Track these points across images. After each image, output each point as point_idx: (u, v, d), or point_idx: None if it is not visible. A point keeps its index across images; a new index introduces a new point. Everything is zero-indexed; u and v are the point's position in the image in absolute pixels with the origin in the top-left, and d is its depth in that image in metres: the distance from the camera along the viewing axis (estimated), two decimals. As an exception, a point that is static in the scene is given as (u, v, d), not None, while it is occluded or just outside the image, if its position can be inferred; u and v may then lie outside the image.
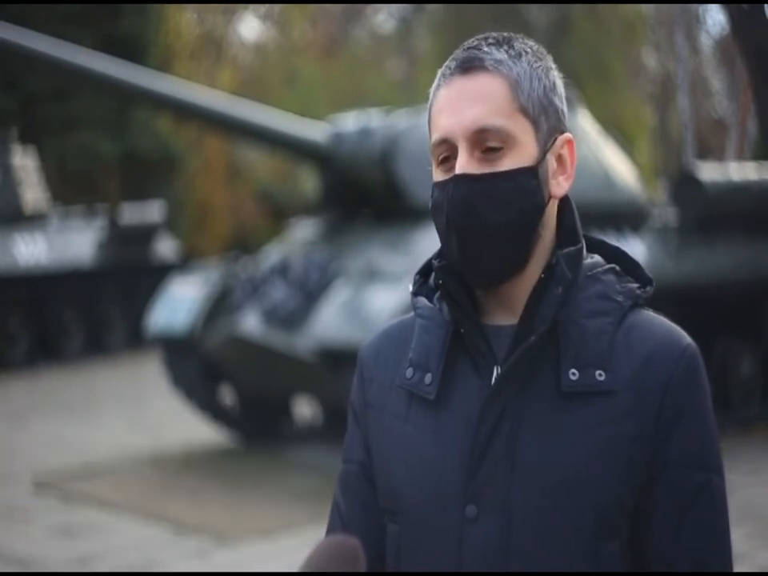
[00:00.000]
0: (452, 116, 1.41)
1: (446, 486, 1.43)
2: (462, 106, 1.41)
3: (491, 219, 1.40)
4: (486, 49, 1.43)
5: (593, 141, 9.34)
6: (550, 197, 1.45)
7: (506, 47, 1.44)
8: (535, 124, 1.43)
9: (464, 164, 1.40)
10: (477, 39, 1.46)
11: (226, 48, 29.54)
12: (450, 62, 1.45)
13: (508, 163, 1.41)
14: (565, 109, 1.49)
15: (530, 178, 1.42)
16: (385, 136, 8.53)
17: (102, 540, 6.57)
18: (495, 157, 1.41)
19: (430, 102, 1.48)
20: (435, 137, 1.44)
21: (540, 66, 1.45)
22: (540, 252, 1.45)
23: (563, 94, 1.49)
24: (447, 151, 1.43)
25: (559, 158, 1.47)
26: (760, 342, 9.30)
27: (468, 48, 1.45)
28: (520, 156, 1.41)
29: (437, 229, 1.46)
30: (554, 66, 1.48)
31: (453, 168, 1.42)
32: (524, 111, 1.42)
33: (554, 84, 1.46)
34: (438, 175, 1.45)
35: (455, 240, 1.42)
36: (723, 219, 8.91)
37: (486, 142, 1.40)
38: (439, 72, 1.47)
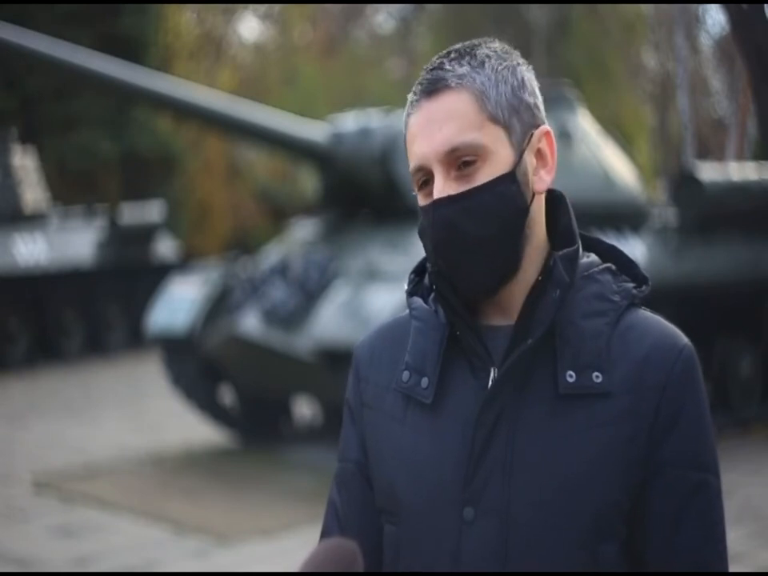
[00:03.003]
0: (423, 142, 1.41)
1: (443, 489, 1.43)
2: (431, 129, 1.41)
3: (475, 234, 1.40)
4: (447, 66, 1.42)
5: (593, 141, 9.34)
6: (534, 194, 1.45)
7: (468, 58, 1.43)
8: (507, 128, 1.42)
9: (441, 187, 1.40)
10: (439, 57, 1.45)
11: (225, 48, 29.55)
12: (416, 87, 1.45)
13: (484, 175, 1.40)
14: (539, 102, 1.47)
15: (509, 184, 1.41)
16: (384, 136, 8.53)
17: (101, 540, 6.56)
18: (471, 171, 1.40)
19: (404, 130, 1.47)
20: (412, 165, 1.44)
21: (505, 66, 1.43)
22: (533, 252, 1.45)
23: (535, 88, 1.47)
24: (425, 176, 1.43)
25: (539, 153, 1.46)
26: (760, 342, 9.30)
27: (431, 69, 1.44)
28: (495, 165, 1.41)
29: (425, 251, 1.47)
30: (521, 61, 1.47)
31: (432, 192, 1.42)
32: (494, 119, 1.41)
33: (523, 80, 1.45)
34: (421, 200, 1.45)
35: (443, 261, 1.43)
36: (723, 219, 8.91)
37: (459, 159, 1.40)
38: (408, 98, 1.46)
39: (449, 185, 1.40)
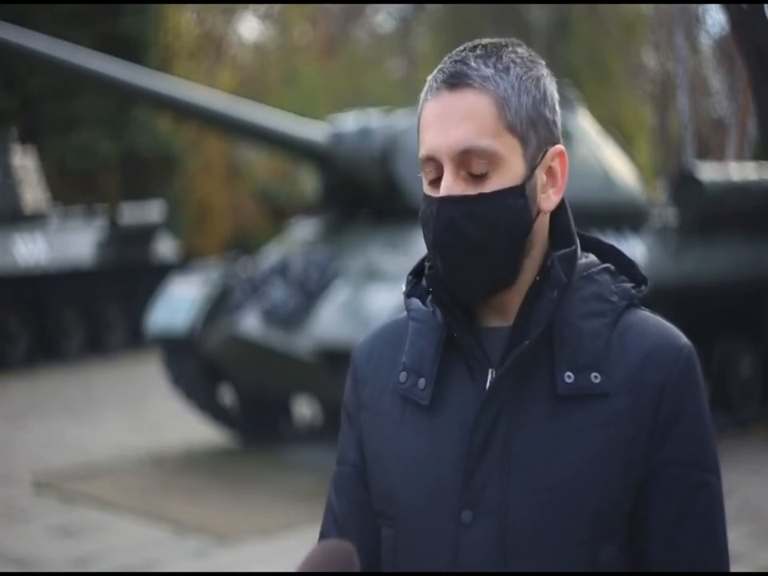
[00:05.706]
0: (438, 134, 1.39)
1: (441, 491, 1.42)
2: (447, 124, 1.39)
3: (476, 239, 1.39)
4: (473, 63, 1.39)
5: (593, 141, 9.33)
6: (539, 211, 1.43)
7: (493, 59, 1.40)
8: (523, 140, 1.40)
9: (449, 185, 1.39)
10: (465, 49, 1.42)
11: (225, 48, 29.54)
12: (437, 74, 1.42)
13: (494, 183, 1.39)
14: (557, 118, 1.46)
15: (517, 198, 1.40)
16: (385, 136, 8.53)
17: (101, 540, 6.56)
18: (481, 177, 1.39)
19: (418, 112, 1.45)
20: (422, 152, 1.42)
21: (530, 76, 1.41)
22: (530, 261, 1.44)
23: (556, 103, 1.45)
24: (434, 169, 1.41)
25: (549, 171, 1.45)
26: (760, 342, 9.30)
27: (455, 61, 1.41)
28: (506, 176, 1.39)
29: (425, 241, 1.45)
30: (545, 72, 1.44)
31: (440, 186, 1.40)
32: (511, 129, 1.39)
33: (545, 94, 1.43)
34: (427, 188, 1.44)
35: (440, 259, 1.41)
36: (723, 219, 8.91)
37: (471, 162, 1.38)
38: (427, 82, 1.44)
39: (457, 184, 1.39)
